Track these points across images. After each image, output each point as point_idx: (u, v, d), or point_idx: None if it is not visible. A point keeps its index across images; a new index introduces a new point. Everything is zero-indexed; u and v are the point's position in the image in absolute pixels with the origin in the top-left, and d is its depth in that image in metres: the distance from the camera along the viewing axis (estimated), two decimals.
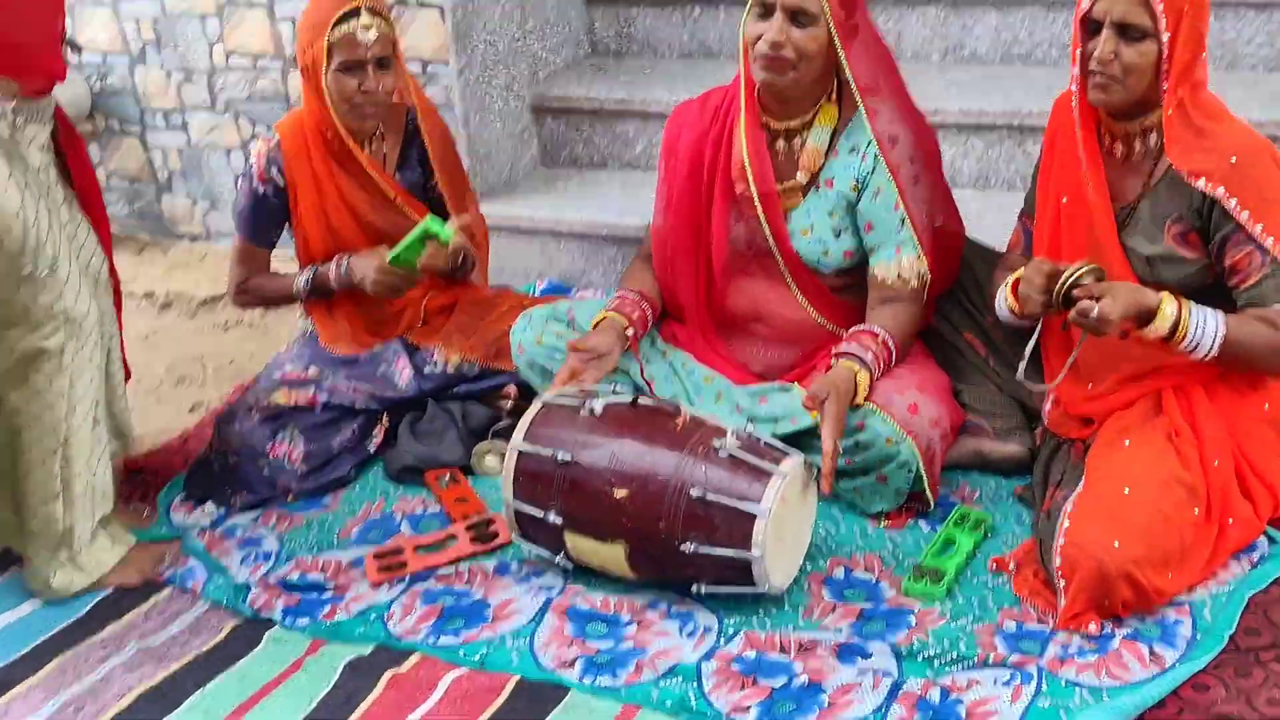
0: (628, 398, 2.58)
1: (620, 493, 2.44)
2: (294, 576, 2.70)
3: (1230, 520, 2.42)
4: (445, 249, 2.93)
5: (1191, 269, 2.48)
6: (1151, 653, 2.24)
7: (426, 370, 3.13)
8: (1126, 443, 2.45)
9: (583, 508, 2.48)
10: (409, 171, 3.16)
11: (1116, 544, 2.27)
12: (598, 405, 2.55)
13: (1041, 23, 3.67)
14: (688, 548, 2.40)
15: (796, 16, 2.61)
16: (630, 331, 2.84)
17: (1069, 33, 3.55)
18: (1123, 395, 2.58)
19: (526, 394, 3.09)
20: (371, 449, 3.08)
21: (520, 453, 2.55)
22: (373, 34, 2.89)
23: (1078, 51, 2.48)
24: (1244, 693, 2.15)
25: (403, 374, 3.11)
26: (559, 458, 2.49)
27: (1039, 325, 2.58)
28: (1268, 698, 2.13)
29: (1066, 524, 2.33)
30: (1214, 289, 2.48)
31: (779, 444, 2.50)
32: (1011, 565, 2.49)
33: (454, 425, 3.06)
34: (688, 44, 4.11)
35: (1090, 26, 2.44)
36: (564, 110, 3.97)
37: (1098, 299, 2.34)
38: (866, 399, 2.61)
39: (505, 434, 2.98)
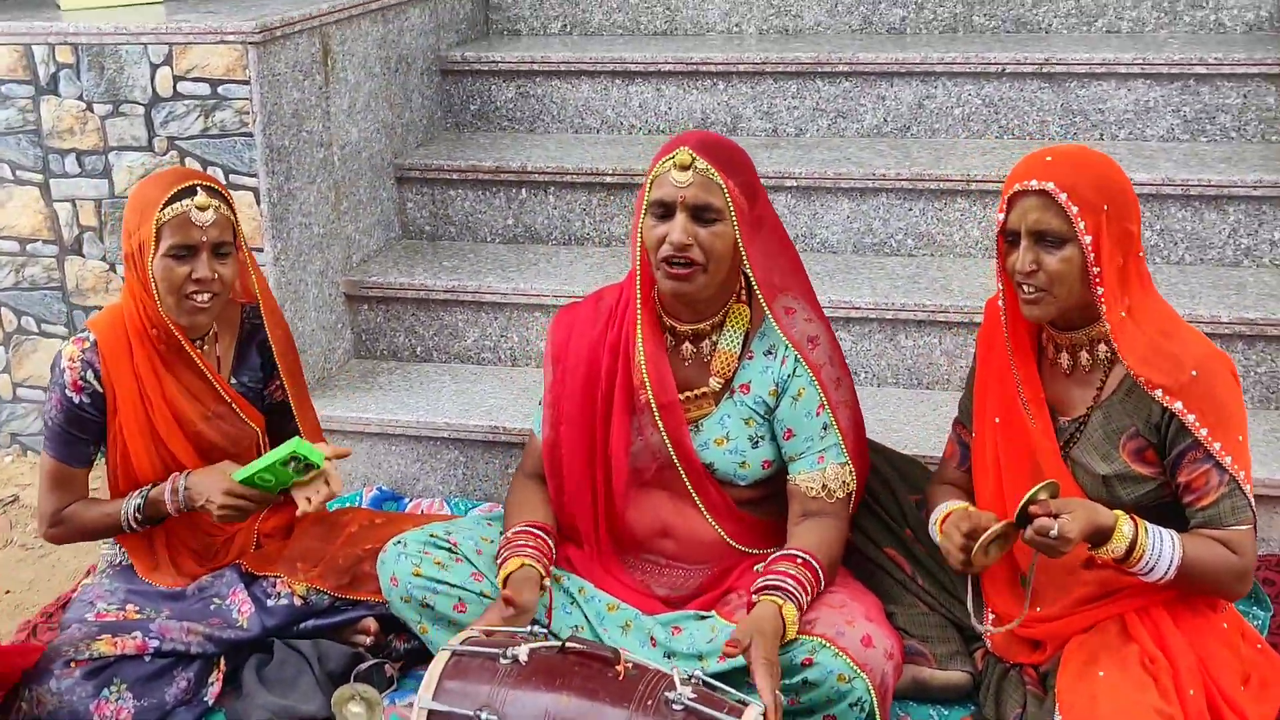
0: (555, 642, 2.28)
1: None
2: None
3: None
4: (316, 476, 2.62)
5: (1149, 487, 2.40)
6: None
7: (269, 604, 2.76)
8: (1100, 673, 2.31)
9: None
10: (246, 376, 2.84)
11: None
12: (521, 652, 2.25)
13: (897, 211, 3.64)
14: None
15: (700, 214, 2.47)
16: (546, 582, 2.58)
17: (925, 222, 3.60)
18: (1080, 619, 2.45)
19: (389, 628, 2.78)
20: (209, 700, 2.67)
21: (430, 712, 2.21)
22: (209, 215, 2.60)
23: (1003, 265, 2.42)
24: None
25: (241, 609, 2.74)
26: (482, 716, 2.17)
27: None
28: None
29: None
30: (1168, 509, 2.41)
31: (730, 690, 2.26)
32: None
33: (308, 669, 2.70)
34: (512, 228, 3.91)
35: (1009, 238, 2.39)
36: (382, 299, 3.69)
37: (1056, 516, 2.23)
38: (809, 632, 2.40)
39: (369, 676, 2.69)
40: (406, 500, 3.42)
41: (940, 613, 2.65)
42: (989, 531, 2.30)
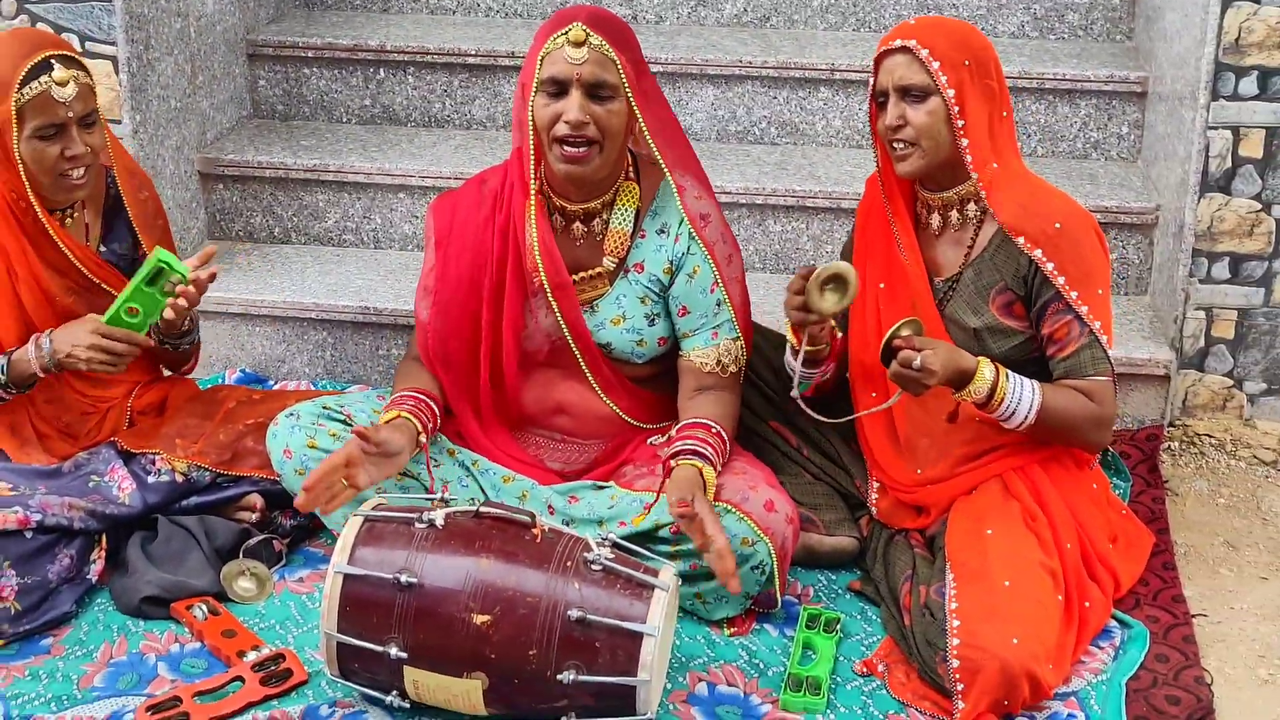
0: (470, 507, 2.29)
1: (481, 619, 2.17)
2: None
3: (1087, 605, 2.44)
4: (184, 293, 2.52)
5: (1017, 339, 2.52)
6: None
7: (150, 480, 2.69)
8: (989, 531, 2.43)
9: (433, 638, 2.18)
10: (116, 244, 2.76)
11: (1015, 640, 2.24)
12: (438, 517, 2.25)
13: (761, 99, 3.68)
14: (565, 677, 2.15)
15: (596, 90, 2.46)
16: (422, 438, 2.56)
17: (789, 110, 3.65)
18: (960, 481, 2.57)
19: (274, 505, 2.75)
20: (93, 578, 2.60)
21: (346, 576, 2.21)
22: (70, 89, 2.49)
23: (876, 129, 2.54)
24: None
25: (122, 485, 2.67)
26: (401, 580, 2.18)
27: (804, 340, 2.50)
28: None
29: (957, 624, 2.28)
30: (1037, 364, 2.53)
31: (641, 550, 2.31)
32: (881, 667, 2.40)
33: (196, 545, 2.65)
34: (369, 108, 3.83)
35: (880, 100, 2.50)
36: (239, 178, 3.59)
37: (919, 351, 2.34)
38: (716, 498, 2.45)
39: (257, 551, 2.67)
40: (271, 383, 3.36)
41: (826, 482, 2.74)
42: (821, 269, 2.37)
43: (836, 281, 2.38)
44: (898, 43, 2.45)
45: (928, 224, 2.59)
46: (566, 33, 2.44)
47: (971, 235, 2.55)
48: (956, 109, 2.43)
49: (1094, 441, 2.53)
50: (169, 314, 2.55)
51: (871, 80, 2.52)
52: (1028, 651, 2.23)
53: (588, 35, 2.44)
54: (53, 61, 2.48)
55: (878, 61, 2.49)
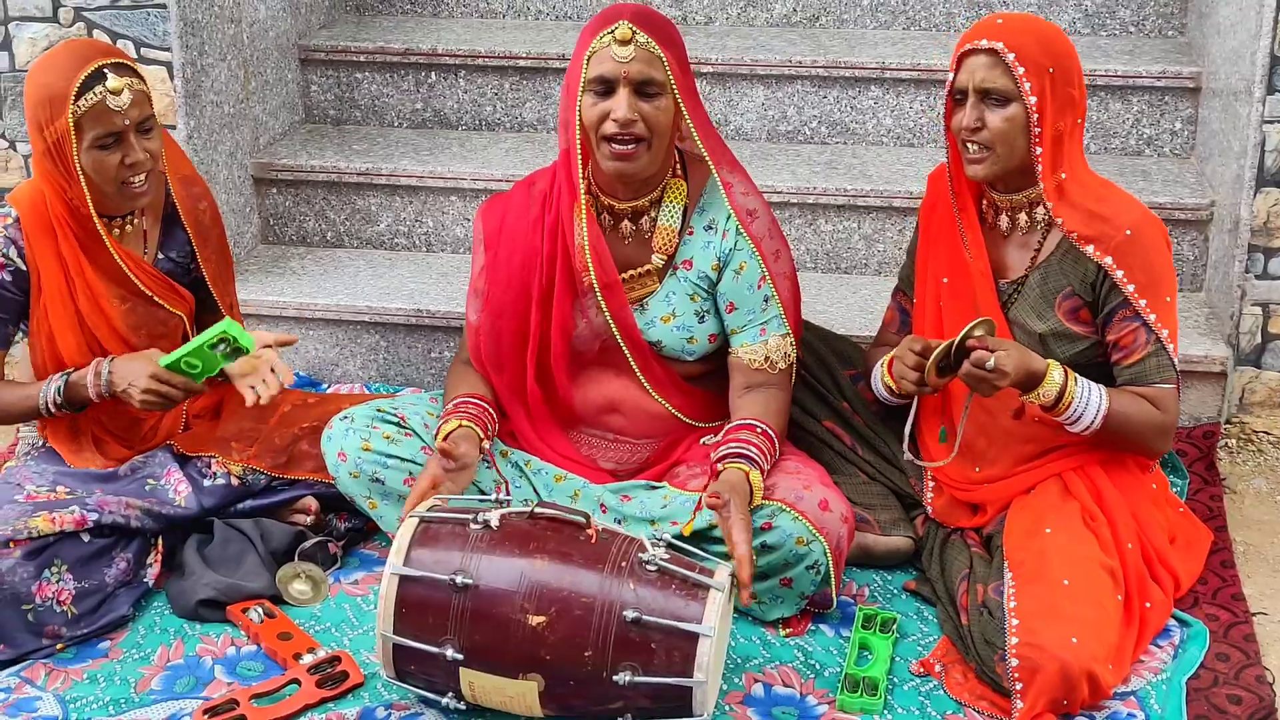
0: (525, 508, 2.29)
1: (537, 620, 2.16)
2: None
3: (1147, 605, 2.42)
4: (252, 365, 2.56)
5: (1083, 345, 2.50)
6: None
7: (205, 484, 2.71)
8: (1047, 530, 2.41)
9: (489, 640, 2.17)
10: (174, 251, 2.76)
11: (1075, 640, 2.21)
12: (493, 518, 2.25)
13: (811, 99, 3.66)
14: (621, 678, 2.14)
15: (644, 88, 2.45)
16: (485, 444, 2.57)
17: (839, 110, 3.63)
18: (1019, 480, 2.55)
19: (328, 508, 2.75)
20: (149, 581, 2.61)
21: (403, 578, 2.21)
22: (125, 97, 2.49)
23: (950, 125, 2.50)
24: None
25: (177, 488, 2.68)
26: (457, 581, 2.17)
27: (915, 404, 2.55)
28: None
29: (1016, 623, 2.26)
30: (1100, 370, 2.51)
31: (698, 551, 2.29)
32: (938, 668, 2.38)
33: (252, 548, 2.65)
34: (421, 112, 3.84)
35: (957, 97, 2.47)
36: (292, 182, 3.61)
37: (992, 353, 2.32)
38: (769, 497, 2.44)
39: (312, 554, 2.67)
40: (325, 386, 3.37)
41: (881, 482, 2.72)
42: (941, 346, 2.37)
43: (956, 358, 2.38)
44: (984, 43, 2.40)
45: (995, 224, 2.56)
46: (613, 31, 2.43)
47: (1040, 239, 2.52)
48: (1036, 116, 2.39)
49: (1156, 449, 2.51)
50: (249, 398, 2.56)
51: (952, 75, 2.47)
52: (1087, 652, 2.21)
53: (634, 33, 2.43)
54: (106, 71, 2.48)
55: (960, 59, 2.44)
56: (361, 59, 3.81)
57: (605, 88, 2.46)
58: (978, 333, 2.37)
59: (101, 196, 2.55)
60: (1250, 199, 3.04)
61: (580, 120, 2.49)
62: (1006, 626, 2.26)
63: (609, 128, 2.45)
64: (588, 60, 2.46)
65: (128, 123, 2.49)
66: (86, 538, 2.53)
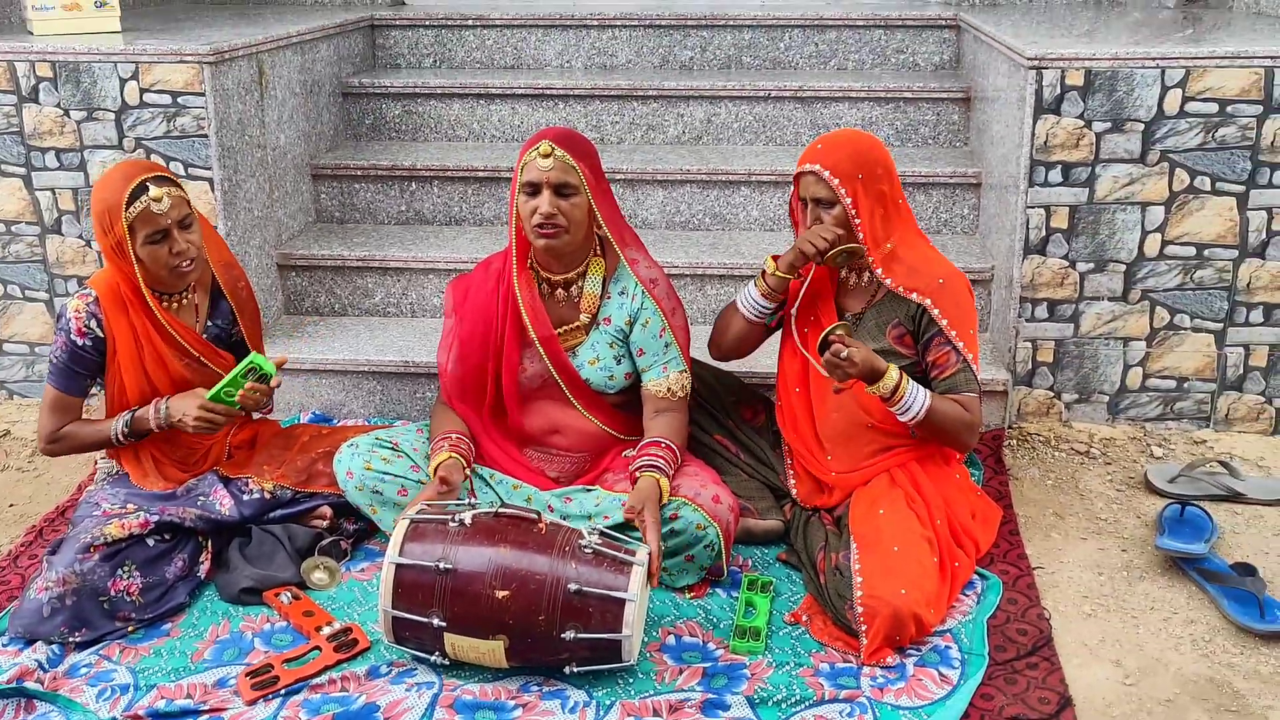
0: (490, 509, 2.24)
1: (502, 593, 2.11)
2: (161, 704, 2.15)
3: (956, 564, 2.42)
4: (267, 384, 2.49)
5: (905, 363, 2.51)
6: (940, 675, 2.17)
7: (245, 498, 2.63)
8: (880, 511, 2.41)
9: (465, 610, 2.12)
10: (219, 320, 2.68)
11: (903, 591, 2.21)
12: (466, 517, 2.21)
13: (698, 198, 3.66)
14: (567, 635, 2.10)
15: (561, 189, 2.44)
16: (468, 470, 2.53)
17: (719, 205, 3.64)
18: (859, 475, 2.55)
19: (340, 514, 2.68)
20: (202, 575, 2.53)
21: (398, 565, 2.15)
22: (165, 203, 2.43)
23: (797, 220, 2.55)
24: (1018, 696, 2.12)
25: (223, 502, 2.60)
26: (440, 566, 2.13)
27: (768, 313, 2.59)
28: (1038, 696, 2.12)
29: (859, 580, 2.25)
30: (920, 383, 2.51)
31: (623, 537, 2.26)
32: (805, 618, 2.36)
33: (281, 547, 2.57)
34: (405, 213, 3.78)
35: (803, 203, 2.50)
36: (307, 267, 3.54)
37: (849, 347, 2.33)
38: (675, 494, 2.42)
39: (329, 550, 2.60)
40: (335, 421, 3.29)
41: (758, 479, 2.70)
42: (846, 246, 2.43)
43: (849, 254, 2.44)
44: (808, 166, 2.44)
45: (845, 280, 2.59)
46: (538, 148, 2.43)
47: (875, 287, 2.54)
48: (853, 212, 2.42)
49: (965, 442, 2.51)
50: (246, 397, 2.50)
51: (794, 186, 2.52)
52: (913, 599, 2.21)
53: (553, 149, 2.42)
54: (148, 184, 2.42)
55: (797, 178, 2.48)
56: (359, 173, 3.75)
57: (533, 189, 2.45)
58: (839, 332, 2.37)
59: (157, 279, 2.49)
60: (1020, 264, 3.07)
61: (517, 213, 2.48)
62: (853, 583, 2.25)
63: (536, 219, 2.44)
64: (521, 169, 2.45)
65: (170, 221, 2.44)
66: (151, 542, 2.45)
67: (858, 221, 2.42)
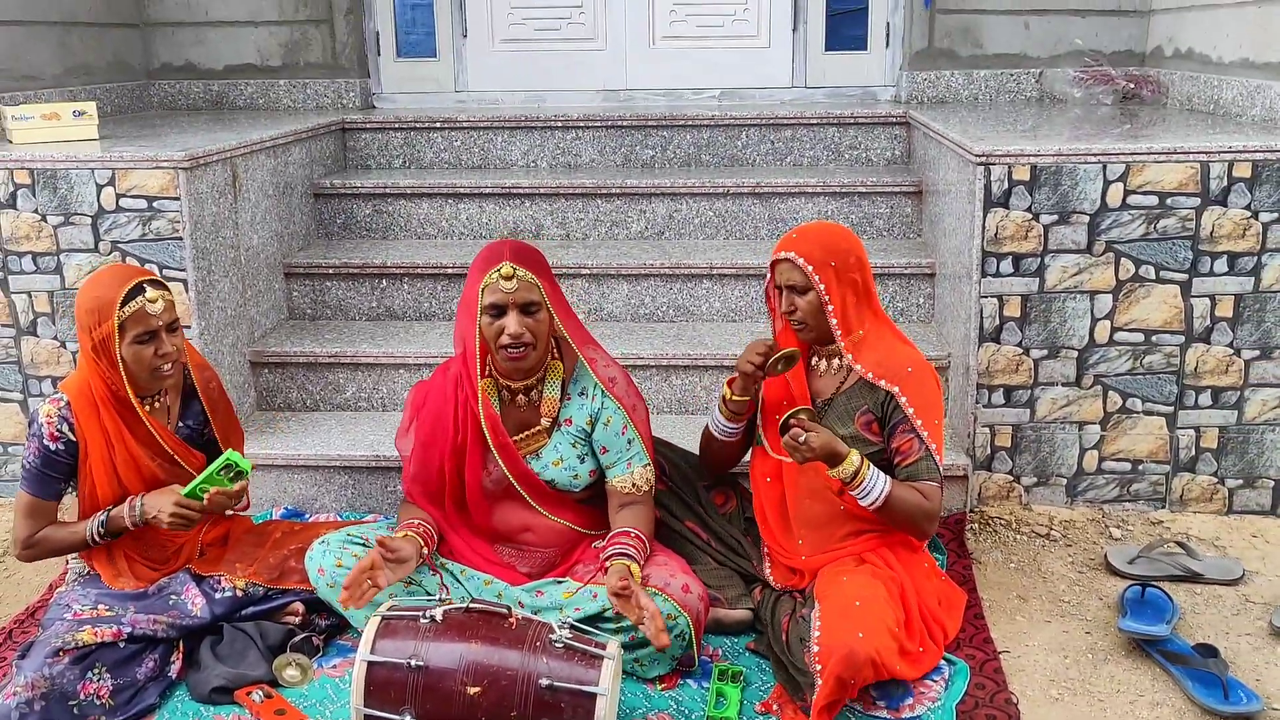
0: (461, 605, 2.22)
1: (474, 690, 2.09)
2: None
3: (920, 649, 2.41)
4: (244, 478, 2.48)
5: (873, 449, 2.53)
6: None
7: (217, 596, 2.59)
8: (845, 579, 2.41)
9: (438, 707, 2.10)
10: (190, 420, 2.67)
11: (860, 635, 2.21)
12: (437, 613, 2.19)
13: (661, 291, 3.70)
14: None
15: (526, 308, 2.46)
16: (424, 550, 2.50)
17: (682, 298, 3.68)
18: (828, 557, 2.55)
19: (312, 609, 2.64)
20: (173, 675, 2.47)
21: (370, 663, 2.12)
22: (159, 305, 2.46)
23: (773, 306, 2.60)
24: None
25: (195, 601, 2.56)
26: (412, 663, 2.10)
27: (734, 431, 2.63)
28: None
29: (817, 627, 2.26)
30: (886, 468, 2.53)
31: (592, 630, 2.24)
32: (775, 707, 2.34)
33: (253, 644, 2.53)
34: (375, 309, 3.80)
35: (779, 290, 2.55)
36: (280, 364, 3.54)
37: (808, 431, 2.36)
38: (645, 584, 2.40)
39: (300, 647, 2.56)
40: (308, 515, 3.26)
41: (730, 567, 2.69)
42: (781, 352, 2.46)
43: (787, 361, 2.47)
44: (784, 254, 2.49)
45: (815, 365, 2.62)
46: (499, 270, 2.43)
47: (845, 373, 2.57)
48: (827, 298, 2.46)
49: (924, 530, 2.51)
50: (219, 500, 2.49)
51: (769, 273, 2.56)
52: (871, 644, 2.20)
53: (515, 270, 2.43)
54: (145, 285, 2.45)
55: (773, 265, 2.53)
56: (330, 271, 3.78)
57: (498, 311, 2.46)
58: (801, 416, 2.39)
59: (134, 381, 2.49)
60: (976, 351, 3.12)
61: (480, 333, 2.48)
62: (811, 627, 2.26)
63: (504, 340, 2.45)
64: (482, 291, 2.45)
65: (160, 323, 2.45)
66: (122, 645, 2.40)
67: (830, 308, 2.47)
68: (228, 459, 2.45)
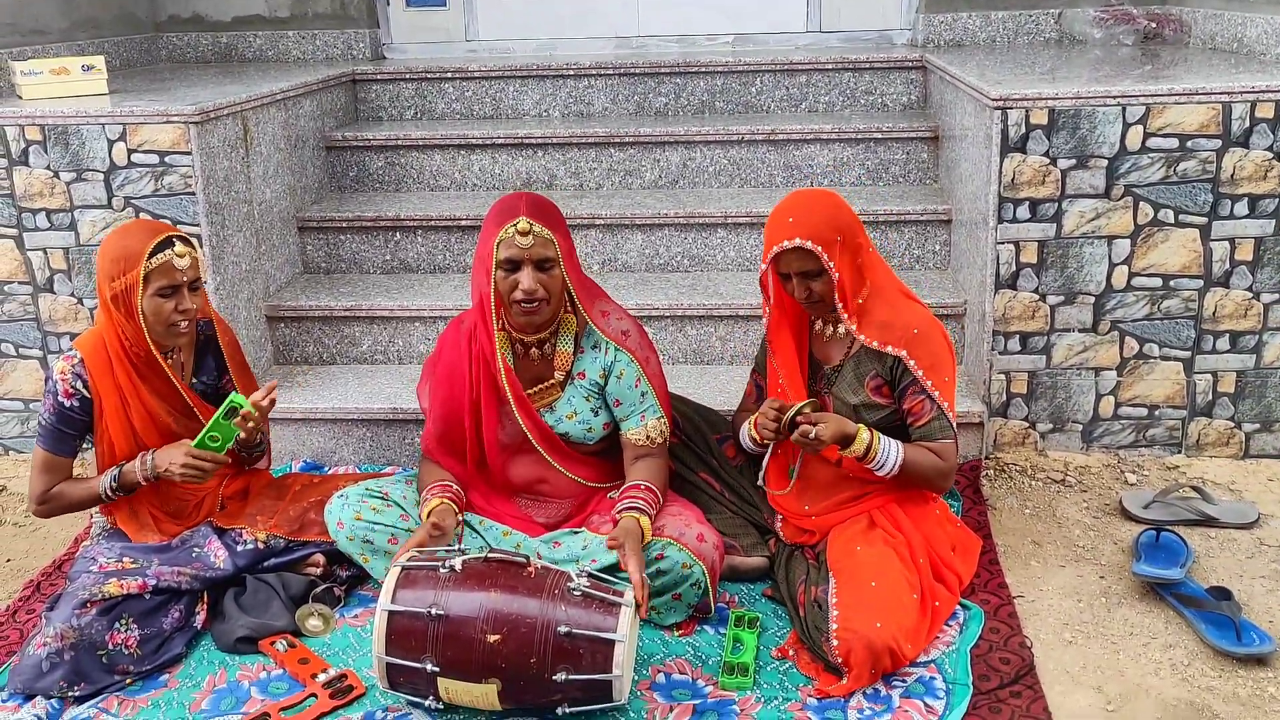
0: (480, 554, 2.25)
1: (493, 638, 2.12)
2: None
3: (936, 603, 2.43)
4: (251, 419, 2.50)
5: (884, 413, 2.52)
6: (926, 705, 2.18)
7: (239, 549, 2.63)
8: (858, 548, 2.42)
9: (458, 655, 2.13)
10: (204, 376, 2.70)
11: (879, 625, 2.22)
12: (457, 563, 2.21)
13: (676, 240, 3.70)
14: (559, 677, 2.11)
15: (541, 265, 2.44)
16: (460, 516, 2.53)
17: (696, 247, 3.67)
18: (838, 516, 2.56)
19: (333, 561, 2.68)
20: (198, 625, 2.52)
21: (390, 612, 2.16)
22: (186, 261, 2.47)
23: (765, 286, 2.52)
24: None
25: (217, 554, 2.60)
26: (432, 612, 2.13)
27: (768, 453, 2.58)
28: None
29: (836, 613, 2.26)
30: (898, 431, 2.53)
31: (609, 578, 2.27)
32: (790, 653, 2.37)
33: (276, 595, 2.57)
34: (390, 262, 3.81)
35: (784, 278, 2.48)
36: (295, 318, 3.56)
37: (815, 425, 2.35)
38: (660, 534, 2.43)
39: (322, 598, 2.60)
40: (326, 468, 3.29)
41: (743, 517, 2.71)
42: (793, 408, 2.40)
43: (799, 411, 2.41)
44: (788, 244, 2.38)
45: (821, 331, 2.60)
46: (515, 224, 2.41)
47: (851, 339, 2.55)
48: (837, 275, 2.41)
49: (941, 487, 2.52)
50: (241, 434, 2.51)
51: (764, 262, 2.46)
52: (888, 632, 2.22)
53: (531, 225, 2.41)
54: (174, 239, 2.47)
55: (776, 256, 2.41)
56: (344, 225, 3.78)
57: (513, 266, 2.44)
58: (806, 410, 2.39)
59: (153, 334, 2.50)
60: (992, 298, 3.11)
61: (495, 287, 2.47)
62: (829, 616, 2.27)
63: (518, 295, 2.45)
64: (497, 245, 2.43)
65: (184, 279, 2.47)
66: (148, 596, 2.44)
67: (836, 278, 2.41)
68: (231, 402, 2.47)
